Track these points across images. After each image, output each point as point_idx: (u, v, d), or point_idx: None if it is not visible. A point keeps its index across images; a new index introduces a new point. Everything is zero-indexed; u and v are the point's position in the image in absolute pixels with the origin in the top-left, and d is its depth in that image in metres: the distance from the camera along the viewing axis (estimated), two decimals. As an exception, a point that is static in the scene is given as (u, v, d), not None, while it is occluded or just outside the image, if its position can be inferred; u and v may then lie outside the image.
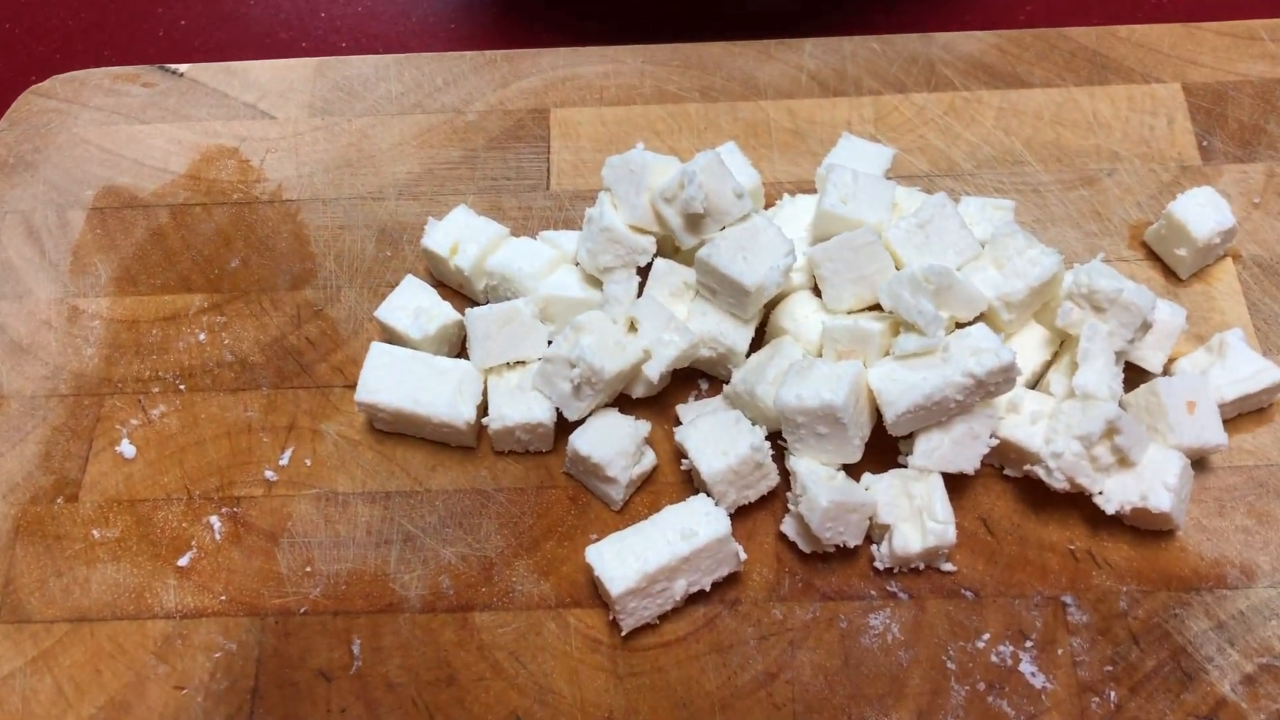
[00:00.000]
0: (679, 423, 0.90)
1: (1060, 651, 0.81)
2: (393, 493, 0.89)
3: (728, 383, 0.90)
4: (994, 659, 0.81)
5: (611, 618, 0.82)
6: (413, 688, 0.82)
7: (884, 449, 0.86)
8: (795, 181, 1.03)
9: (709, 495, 0.83)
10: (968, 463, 0.82)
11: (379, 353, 0.90)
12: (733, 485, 0.83)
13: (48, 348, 0.98)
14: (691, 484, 0.88)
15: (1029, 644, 0.82)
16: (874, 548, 0.84)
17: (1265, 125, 1.03)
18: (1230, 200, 0.95)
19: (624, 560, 0.79)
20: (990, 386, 0.79)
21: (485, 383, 0.91)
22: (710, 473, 0.82)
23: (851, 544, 0.82)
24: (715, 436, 0.84)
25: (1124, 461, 0.81)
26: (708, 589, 0.83)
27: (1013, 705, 0.80)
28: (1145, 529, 0.85)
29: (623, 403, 0.91)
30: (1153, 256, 0.97)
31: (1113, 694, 0.80)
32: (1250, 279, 0.96)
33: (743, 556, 0.83)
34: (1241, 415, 0.89)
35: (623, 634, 0.81)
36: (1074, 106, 1.06)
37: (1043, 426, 0.83)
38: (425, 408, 0.88)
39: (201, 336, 0.98)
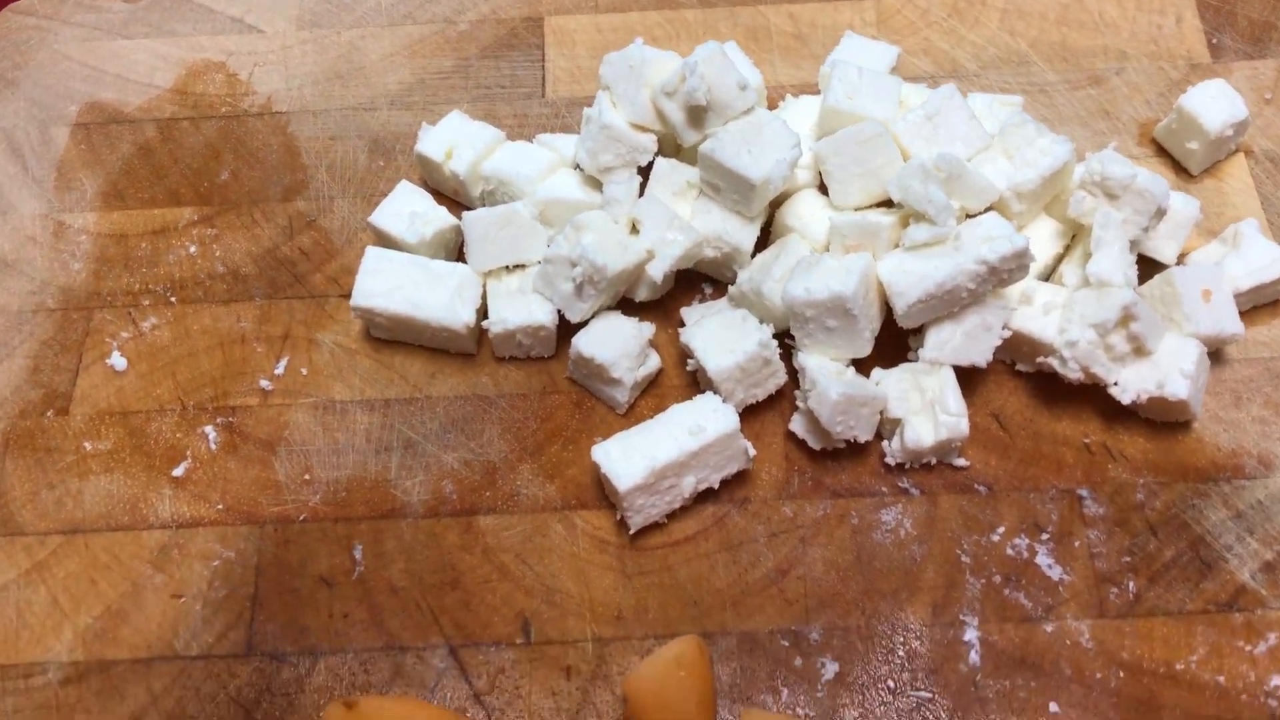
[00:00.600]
0: (683, 325, 0.88)
1: (1077, 544, 0.80)
2: (392, 400, 0.87)
3: (732, 284, 0.88)
4: (1009, 552, 0.80)
5: (619, 517, 0.80)
6: (417, 591, 0.80)
7: (892, 346, 0.84)
8: (798, 85, 1.01)
9: (716, 394, 0.81)
10: (980, 354, 0.80)
11: (375, 257, 0.88)
12: (740, 383, 0.81)
13: (33, 263, 0.95)
14: (697, 386, 0.86)
15: (1045, 537, 0.80)
16: (885, 443, 0.83)
17: (1275, 21, 1.01)
18: (1241, 97, 0.93)
19: (631, 458, 0.78)
20: (1003, 274, 0.77)
21: (484, 286, 0.88)
22: (717, 370, 0.80)
23: (862, 439, 0.81)
24: (721, 335, 0.82)
25: (1140, 350, 0.79)
26: (716, 487, 0.81)
27: (1030, 597, 0.78)
28: (1161, 420, 0.83)
29: (625, 306, 0.89)
30: (1163, 153, 0.96)
31: (1131, 584, 0.78)
32: (1263, 174, 0.94)
33: (751, 453, 0.81)
34: (1257, 308, 0.88)
35: (630, 532, 0.79)
36: (1080, 6, 1.03)
37: (1056, 317, 0.81)
38: (423, 311, 0.85)
39: (192, 249, 0.95)
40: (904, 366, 0.81)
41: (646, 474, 0.77)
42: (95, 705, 0.77)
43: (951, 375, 0.80)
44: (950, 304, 0.78)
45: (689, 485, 0.79)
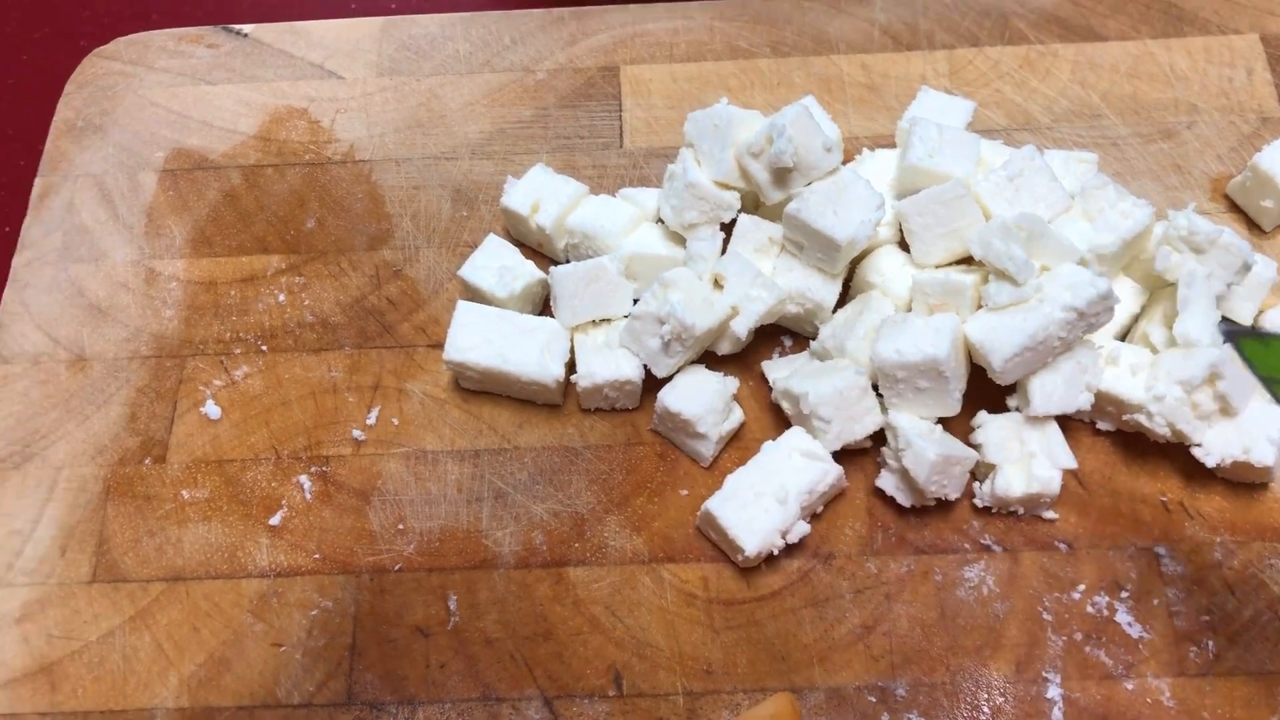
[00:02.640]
0: (764, 380, 0.90)
1: (1156, 602, 0.82)
2: (481, 450, 0.90)
3: (813, 339, 0.89)
4: (1090, 609, 0.82)
5: (739, 558, 0.82)
6: (510, 642, 0.83)
7: (969, 403, 0.86)
8: (872, 136, 1.03)
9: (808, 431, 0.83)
10: (1084, 400, 0.81)
11: (466, 311, 0.90)
12: (839, 413, 0.82)
13: (127, 310, 0.98)
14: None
15: (1124, 594, 0.82)
16: (976, 484, 0.84)
17: (1346, 75, 1.02)
18: (1314, 152, 0.94)
19: (744, 496, 0.80)
20: (1091, 318, 0.79)
21: (571, 340, 0.90)
22: (818, 396, 0.81)
23: (953, 496, 0.83)
24: (817, 372, 0.84)
25: (1226, 410, 0.80)
26: (803, 538, 0.83)
27: (1110, 655, 0.80)
28: (1238, 481, 0.85)
29: (707, 359, 0.90)
30: (1235, 209, 0.97)
31: (1210, 643, 0.80)
32: (1336, 231, 0.95)
33: (845, 482, 0.83)
34: (1331, 367, 0.88)
35: (746, 555, 0.80)
36: (1150, 59, 1.05)
37: (1143, 377, 0.82)
38: (514, 366, 0.88)
39: (281, 298, 0.97)
40: (1007, 415, 0.83)
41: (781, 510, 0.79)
42: (202, 752, 0.80)
43: (1058, 430, 0.82)
44: (1044, 355, 0.80)
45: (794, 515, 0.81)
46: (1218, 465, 0.82)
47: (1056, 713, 0.79)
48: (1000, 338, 0.80)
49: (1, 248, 1.04)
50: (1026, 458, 0.82)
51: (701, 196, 0.90)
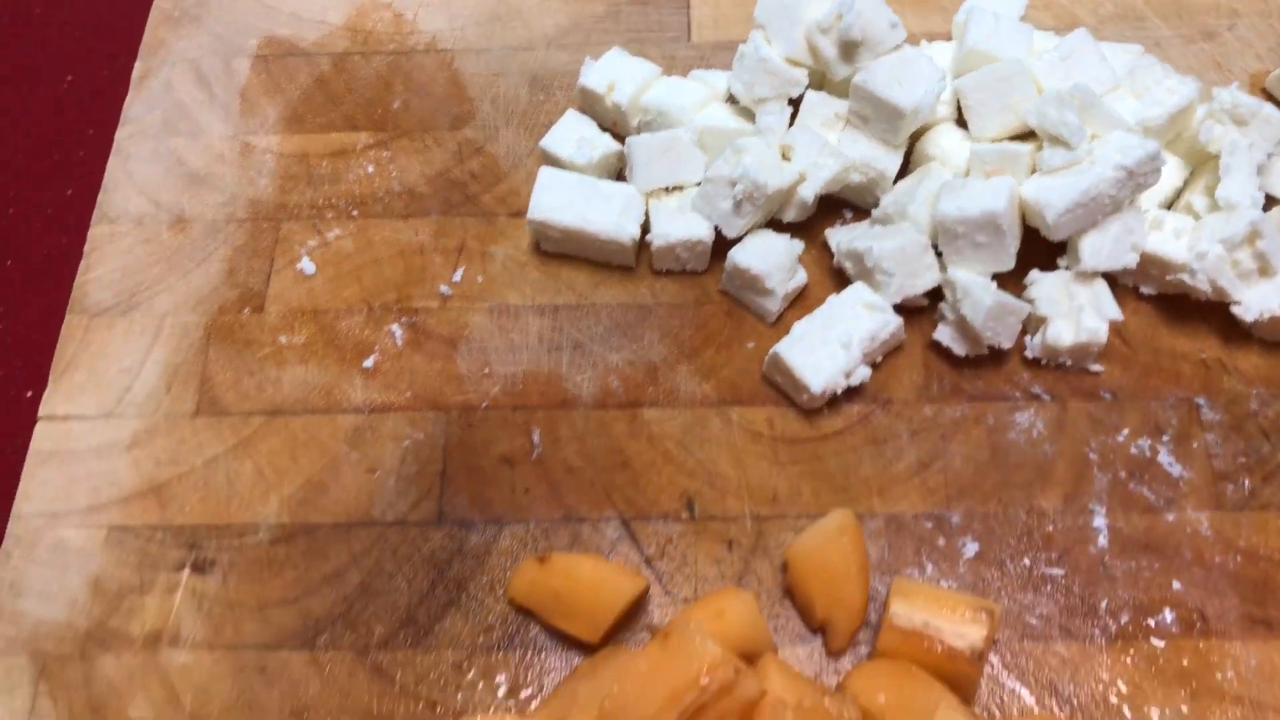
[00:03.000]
0: (826, 250, 0.96)
1: (1195, 445, 0.87)
2: (560, 306, 0.96)
3: (875, 207, 0.95)
4: (1133, 451, 0.87)
5: (803, 396, 0.88)
6: (590, 471, 0.88)
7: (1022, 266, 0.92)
8: (927, 33, 1.08)
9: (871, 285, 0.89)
10: (1129, 258, 0.87)
11: (548, 175, 0.96)
12: (900, 267, 0.88)
13: (224, 178, 1.04)
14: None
15: (1165, 439, 0.88)
16: (1027, 338, 0.90)
17: (1378, -16, 1.08)
18: (1349, 49, 1.00)
19: (813, 349, 0.86)
20: (1140, 178, 0.85)
21: (646, 204, 0.96)
22: (881, 251, 0.87)
23: (1006, 345, 0.88)
24: (880, 233, 0.90)
25: (1265, 269, 0.86)
26: (867, 378, 0.89)
27: (1152, 490, 0.86)
28: (1274, 340, 0.90)
29: (774, 227, 0.96)
30: (1273, 100, 1.02)
31: (1246, 482, 0.86)
32: (1366, 122, 1.00)
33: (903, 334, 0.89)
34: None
35: (812, 392, 0.86)
36: (1192, -33, 1.11)
37: (1186, 240, 0.88)
38: (594, 225, 0.94)
39: (370, 169, 1.04)
40: (1059, 273, 0.89)
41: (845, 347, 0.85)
42: (302, 562, 0.86)
43: (1105, 285, 0.87)
44: (1094, 212, 0.86)
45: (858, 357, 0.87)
46: (1255, 320, 0.87)
47: (1102, 539, 0.84)
48: (1054, 194, 0.86)
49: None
50: (1075, 311, 0.88)
51: (771, 72, 0.96)
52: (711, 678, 0.70)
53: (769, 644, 0.77)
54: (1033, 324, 0.90)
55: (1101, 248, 0.87)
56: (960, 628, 0.76)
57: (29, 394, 0.96)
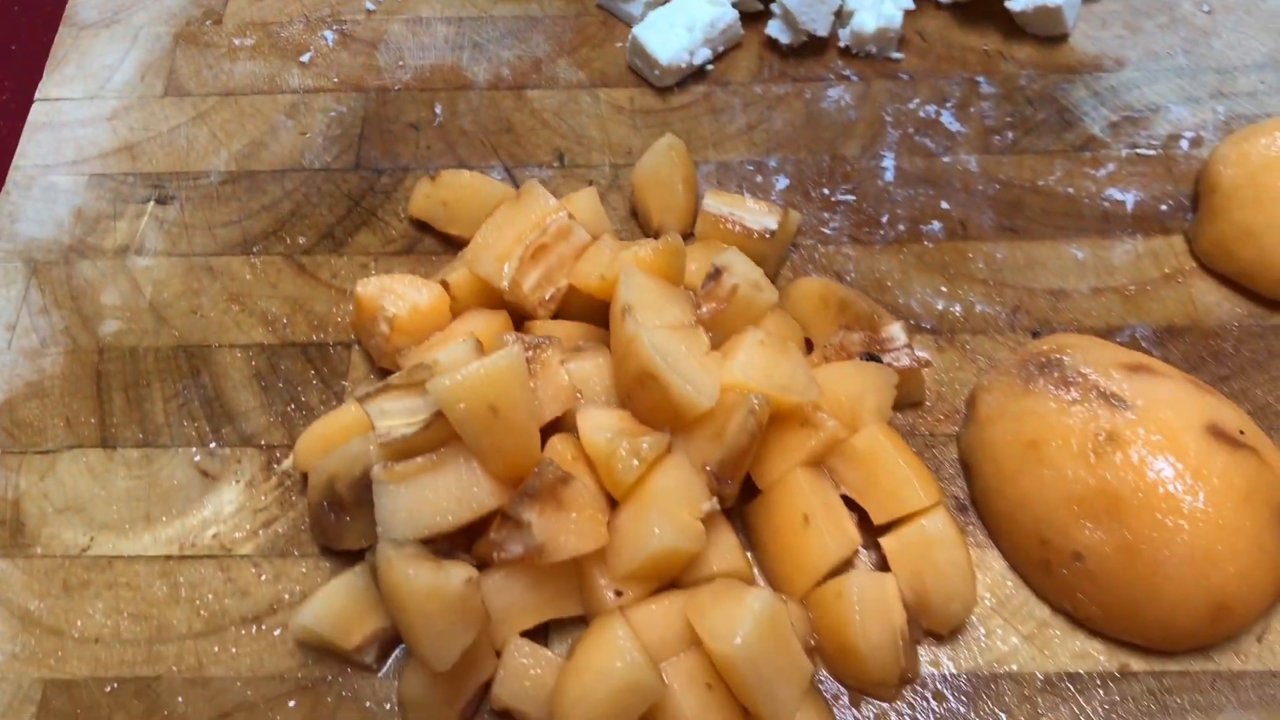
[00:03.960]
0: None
1: (972, 110, 1.08)
2: (464, 18, 1.16)
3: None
4: (921, 115, 1.08)
5: (655, 71, 1.08)
6: (480, 134, 1.09)
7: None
8: None
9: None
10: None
11: (456, -91, 1.17)
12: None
13: (193, -69, 1.25)
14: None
15: (949, 105, 1.08)
16: (841, 30, 1.10)
17: None
18: None
19: (663, 32, 1.06)
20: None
21: (537, -63, 1.17)
22: None
23: (821, 32, 1.08)
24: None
25: (1029, -34, 1.07)
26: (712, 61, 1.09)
27: (934, 141, 1.06)
28: (1045, 35, 1.11)
29: (643, -43, 1.17)
30: None
31: (1010, 134, 1.06)
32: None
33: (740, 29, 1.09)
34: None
35: (662, 65, 1.06)
36: None
37: (964, -55, 1.09)
38: (491, -52, 1.14)
39: (313, -78, 1.24)
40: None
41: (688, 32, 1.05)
42: (244, 196, 1.06)
43: None
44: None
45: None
46: (1022, 11, 1.08)
47: (889, 175, 1.04)
48: (856, -97, 1.07)
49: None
50: (877, 3, 1.08)
51: None
52: (552, 221, 0.90)
53: (608, 228, 0.97)
54: (844, 18, 1.10)
55: (895, -50, 1.08)
56: (758, 217, 0.96)
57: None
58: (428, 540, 0.78)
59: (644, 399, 0.80)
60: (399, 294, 0.90)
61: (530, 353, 0.81)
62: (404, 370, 0.81)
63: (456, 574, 0.73)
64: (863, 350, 0.88)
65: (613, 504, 0.80)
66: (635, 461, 0.77)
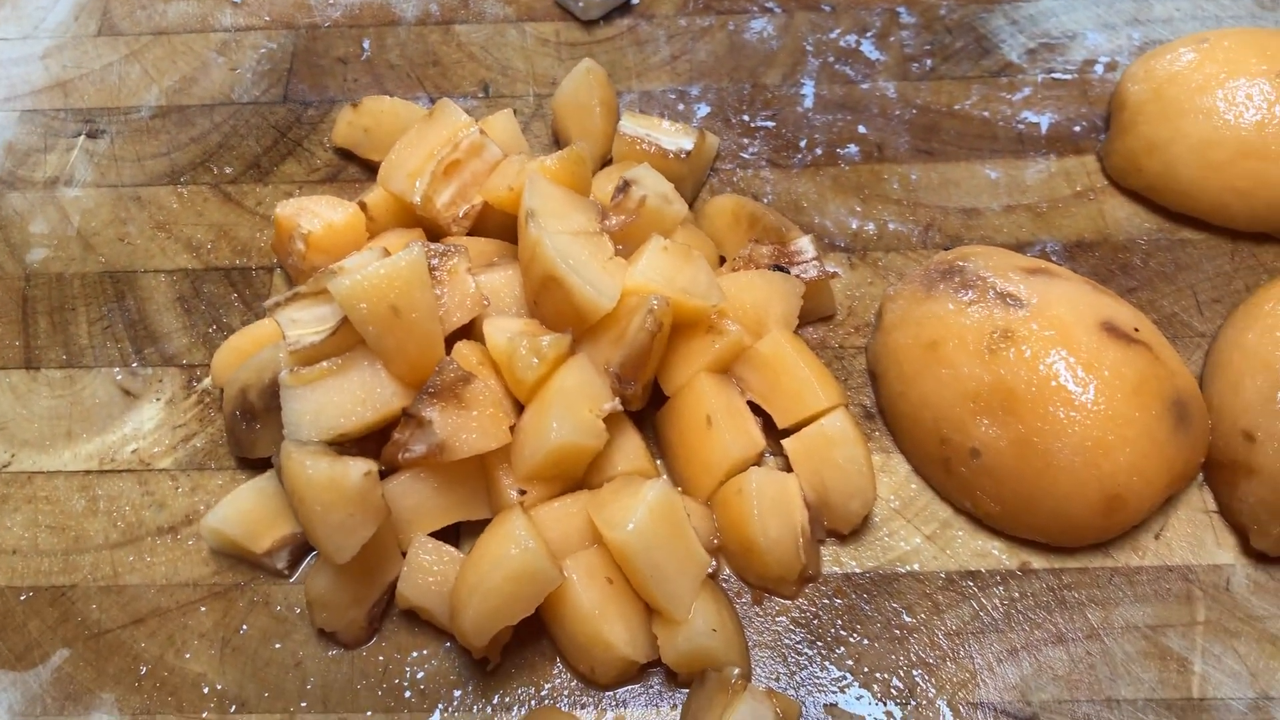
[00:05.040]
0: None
1: (892, 39, 1.09)
2: (396, -42, 1.18)
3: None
4: (841, 44, 1.09)
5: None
6: (407, 67, 1.10)
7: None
8: None
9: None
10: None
11: None
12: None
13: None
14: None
15: (869, 34, 1.10)
16: None
17: None
18: None
19: None
20: None
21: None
22: None
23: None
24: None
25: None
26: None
27: (853, 69, 1.08)
28: (964, -35, 1.12)
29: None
30: None
31: (929, 61, 1.07)
32: None
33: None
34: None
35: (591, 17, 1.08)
36: None
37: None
38: (421, -112, 1.16)
39: None
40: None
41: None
42: (174, 129, 1.08)
43: None
44: None
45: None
46: (942, -59, 1.09)
47: (808, 101, 1.06)
48: None
49: None
50: (798, -65, 1.10)
51: None
52: (464, 137, 0.91)
53: (525, 149, 0.99)
54: (768, -50, 1.12)
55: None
56: (674, 138, 0.98)
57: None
58: (334, 444, 0.79)
59: (548, 303, 0.81)
60: (315, 213, 0.91)
61: (436, 260, 0.82)
62: (312, 278, 0.82)
63: (355, 466, 0.74)
64: (771, 262, 0.89)
65: (519, 410, 0.81)
66: (535, 360, 0.78)
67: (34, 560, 0.85)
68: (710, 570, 0.78)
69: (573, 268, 0.79)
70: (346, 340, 0.80)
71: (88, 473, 0.89)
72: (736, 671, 0.74)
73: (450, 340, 0.82)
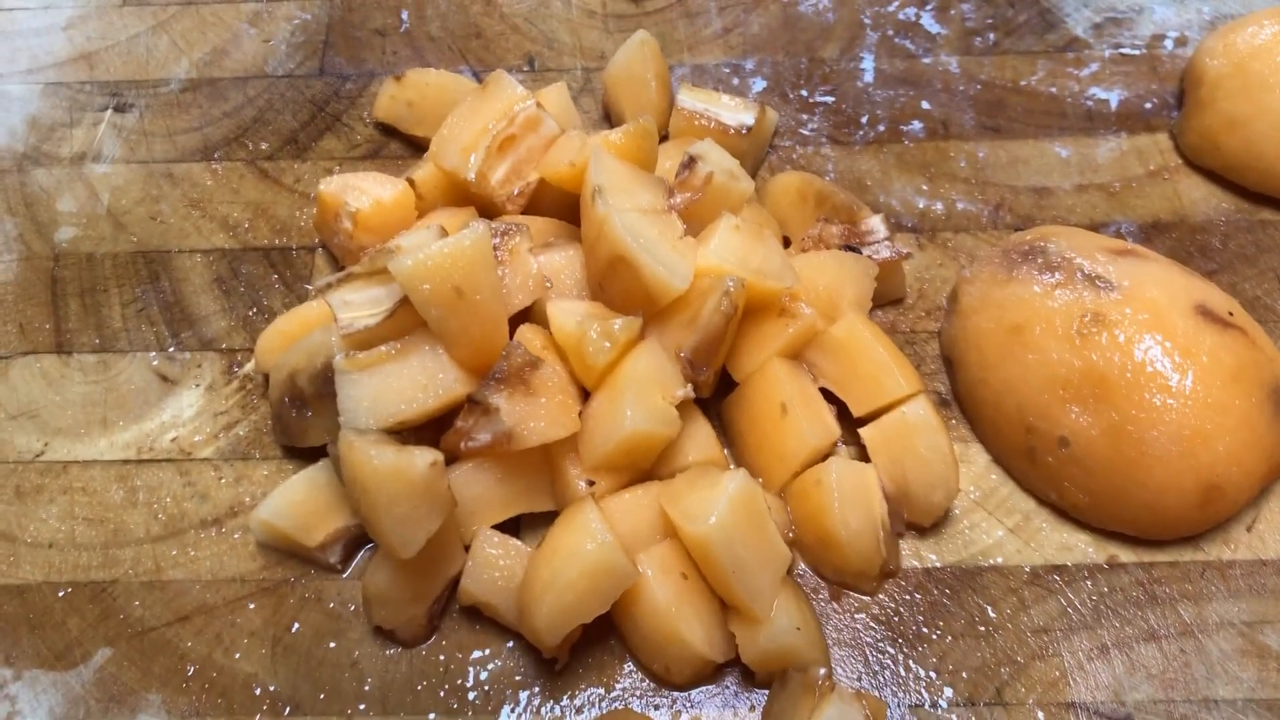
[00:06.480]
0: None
1: (952, 12, 1.05)
2: (433, -74, 1.13)
3: None
4: (901, 16, 1.05)
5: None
6: (448, 39, 1.06)
7: None
8: None
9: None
10: None
11: None
12: None
13: None
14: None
15: (929, 7, 1.05)
16: None
17: None
18: None
19: None
20: None
21: None
22: None
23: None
24: None
25: None
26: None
27: (914, 43, 1.03)
28: (1025, -64, 1.08)
29: None
30: None
31: (992, 36, 1.04)
32: None
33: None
34: None
35: None
36: None
37: None
38: None
39: None
40: None
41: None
42: (205, 103, 1.03)
43: None
44: None
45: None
46: (1004, -90, 1.05)
47: (868, 76, 1.02)
48: None
49: None
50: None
51: None
52: (520, 110, 0.87)
53: (579, 124, 0.94)
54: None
55: None
56: (734, 113, 0.94)
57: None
58: (392, 432, 0.75)
59: (616, 285, 0.77)
60: (363, 190, 0.87)
61: (498, 239, 0.78)
62: (366, 258, 0.77)
63: (421, 456, 0.70)
64: (842, 242, 0.85)
65: (585, 397, 0.77)
66: (606, 344, 0.74)
67: (72, 554, 0.81)
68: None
69: (643, 247, 0.75)
70: (403, 323, 0.76)
71: (125, 462, 0.84)
72: (823, 671, 0.71)
73: (510, 324, 0.77)
